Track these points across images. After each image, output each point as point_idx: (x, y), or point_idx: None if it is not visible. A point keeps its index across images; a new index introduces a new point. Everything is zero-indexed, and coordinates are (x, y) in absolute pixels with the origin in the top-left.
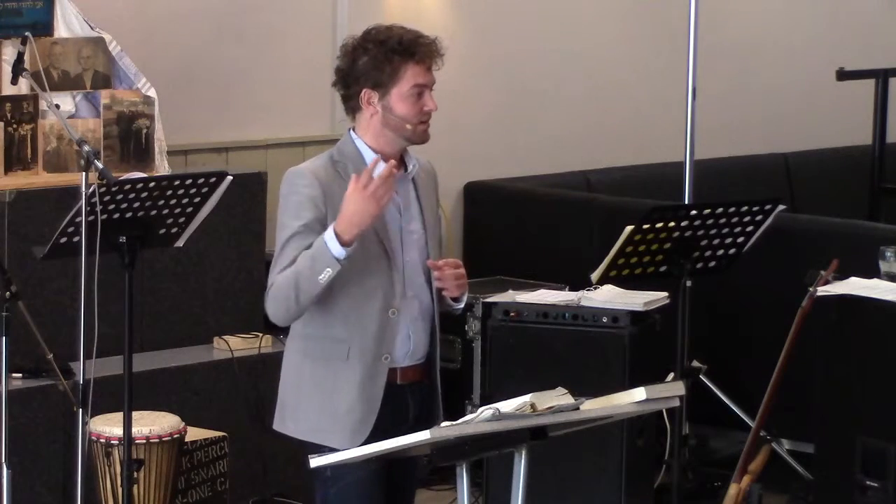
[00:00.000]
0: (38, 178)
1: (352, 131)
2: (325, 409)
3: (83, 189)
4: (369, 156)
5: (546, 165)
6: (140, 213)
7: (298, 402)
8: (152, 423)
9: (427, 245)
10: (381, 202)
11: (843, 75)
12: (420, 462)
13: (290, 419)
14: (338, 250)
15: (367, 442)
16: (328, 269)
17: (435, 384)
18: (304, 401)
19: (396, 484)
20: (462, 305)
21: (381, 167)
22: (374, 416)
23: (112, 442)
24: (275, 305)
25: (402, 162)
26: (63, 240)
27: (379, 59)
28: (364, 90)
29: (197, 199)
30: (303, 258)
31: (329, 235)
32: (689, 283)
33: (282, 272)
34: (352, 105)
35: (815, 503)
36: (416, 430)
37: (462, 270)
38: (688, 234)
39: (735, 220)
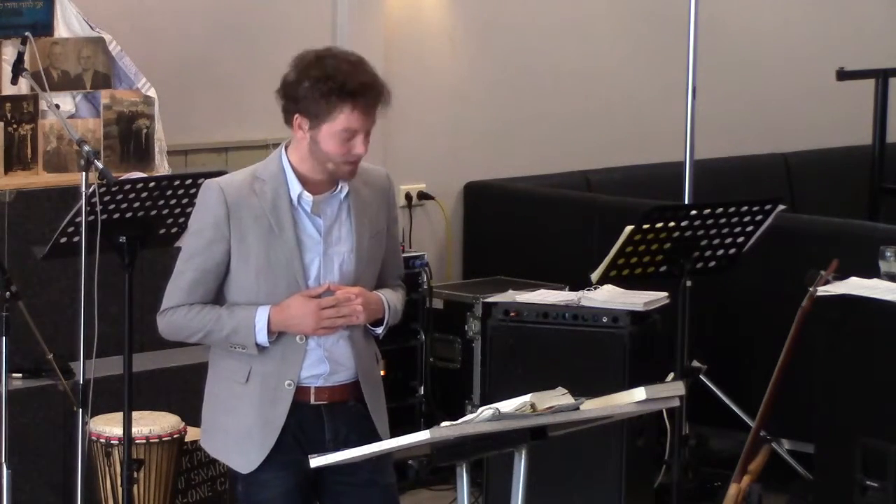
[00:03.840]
0: (38, 178)
1: (284, 149)
2: (226, 429)
3: (83, 189)
4: (291, 176)
5: (546, 165)
6: (140, 213)
7: (208, 419)
8: (152, 423)
9: (354, 266)
10: (326, 331)
11: (843, 75)
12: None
13: (206, 437)
14: (263, 339)
15: (273, 464)
16: (245, 347)
17: (366, 405)
18: (212, 419)
19: None
20: (379, 331)
21: (328, 293)
22: (273, 441)
23: (112, 442)
24: (171, 333)
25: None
26: (63, 240)
27: (318, 92)
28: (297, 114)
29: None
30: (221, 321)
31: (261, 324)
32: (689, 283)
33: (188, 311)
34: (287, 119)
35: (815, 503)
36: (332, 452)
37: (355, 309)
38: (688, 234)
39: (735, 220)
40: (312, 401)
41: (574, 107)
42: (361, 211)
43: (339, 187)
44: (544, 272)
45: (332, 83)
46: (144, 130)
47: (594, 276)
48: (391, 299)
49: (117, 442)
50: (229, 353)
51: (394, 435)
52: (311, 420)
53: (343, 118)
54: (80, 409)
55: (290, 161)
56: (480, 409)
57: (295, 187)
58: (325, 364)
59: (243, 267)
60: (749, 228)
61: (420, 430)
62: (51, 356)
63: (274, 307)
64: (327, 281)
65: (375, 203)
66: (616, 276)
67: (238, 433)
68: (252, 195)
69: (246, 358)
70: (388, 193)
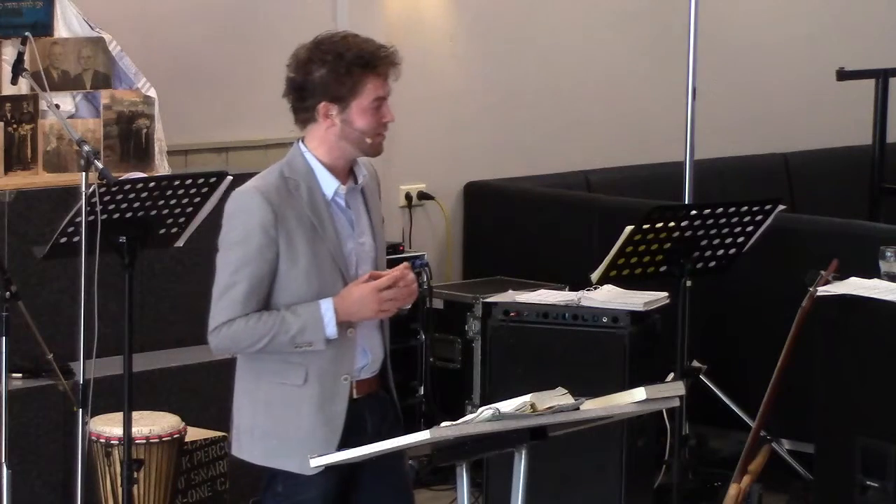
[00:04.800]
0: (38, 178)
1: (301, 144)
2: (283, 433)
3: (83, 189)
4: (321, 172)
5: (546, 165)
6: (140, 213)
7: (254, 426)
8: (152, 423)
9: (378, 253)
10: (386, 312)
11: (843, 75)
12: (394, 487)
13: (247, 444)
14: (333, 331)
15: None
16: (314, 344)
17: (391, 392)
18: (260, 425)
19: None
20: (408, 306)
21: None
22: (338, 438)
23: (112, 442)
24: (229, 347)
25: (351, 172)
26: (63, 240)
27: (339, 72)
28: (322, 103)
29: (197, 199)
30: (286, 322)
31: (329, 316)
32: (689, 283)
33: (247, 320)
34: (305, 117)
35: (815, 503)
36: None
37: (413, 286)
38: (688, 234)
39: (735, 220)
40: (355, 395)
41: (574, 107)
42: (373, 201)
43: (361, 179)
44: (544, 272)
45: (349, 58)
46: (144, 130)
47: (594, 277)
48: None
49: (117, 442)
50: (280, 357)
51: None
52: (355, 415)
53: (371, 88)
54: (80, 409)
55: (315, 156)
56: (480, 409)
57: (329, 182)
58: (367, 356)
59: (292, 269)
60: (749, 228)
61: (420, 430)
62: (51, 356)
63: (335, 298)
64: (366, 270)
65: (375, 195)
66: (616, 277)
67: (300, 436)
68: (290, 196)
69: (300, 359)
70: (378, 183)
